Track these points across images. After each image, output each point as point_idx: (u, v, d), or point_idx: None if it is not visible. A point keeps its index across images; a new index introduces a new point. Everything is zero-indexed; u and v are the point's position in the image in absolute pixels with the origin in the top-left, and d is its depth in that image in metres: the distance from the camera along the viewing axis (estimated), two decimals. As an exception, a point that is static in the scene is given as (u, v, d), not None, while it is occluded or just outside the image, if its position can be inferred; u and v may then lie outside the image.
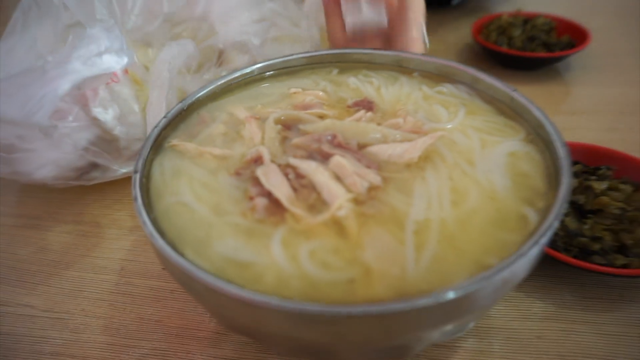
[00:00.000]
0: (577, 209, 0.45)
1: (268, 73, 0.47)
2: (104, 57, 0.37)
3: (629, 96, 0.68)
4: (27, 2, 0.50)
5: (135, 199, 0.32)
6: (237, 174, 0.34)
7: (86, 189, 0.53)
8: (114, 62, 0.38)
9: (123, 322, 0.41)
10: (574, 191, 0.45)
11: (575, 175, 0.47)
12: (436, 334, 0.29)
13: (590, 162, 0.49)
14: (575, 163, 0.49)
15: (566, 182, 0.30)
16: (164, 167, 0.36)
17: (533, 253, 0.26)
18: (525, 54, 0.71)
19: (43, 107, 0.38)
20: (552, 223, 0.28)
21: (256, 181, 0.33)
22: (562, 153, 0.33)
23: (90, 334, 0.40)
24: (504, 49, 0.72)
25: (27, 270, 0.46)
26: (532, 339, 0.39)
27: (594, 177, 0.47)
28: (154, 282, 0.44)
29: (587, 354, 0.37)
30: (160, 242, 0.28)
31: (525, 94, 0.71)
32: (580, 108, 0.66)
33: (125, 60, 0.38)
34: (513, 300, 0.41)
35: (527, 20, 0.77)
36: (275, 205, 0.31)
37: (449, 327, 0.28)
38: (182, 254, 0.29)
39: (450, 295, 0.24)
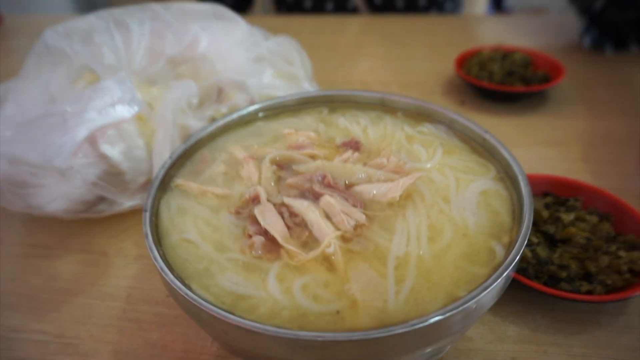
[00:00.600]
0: (548, 239, 0.49)
1: (263, 113, 0.52)
2: (116, 107, 0.41)
3: (599, 128, 0.73)
4: (40, 48, 0.54)
5: (146, 235, 0.36)
6: (237, 212, 0.38)
7: (93, 220, 0.56)
8: (125, 112, 0.42)
9: (131, 346, 0.44)
10: (546, 222, 0.50)
11: (547, 206, 0.51)
12: (415, 357, 0.32)
13: (561, 193, 0.54)
14: (546, 194, 0.53)
15: (528, 219, 0.35)
16: (171, 205, 0.40)
17: (497, 286, 0.30)
18: (504, 88, 0.76)
19: (62, 152, 0.42)
20: (515, 258, 0.32)
21: (254, 220, 0.37)
22: (525, 191, 0.37)
23: (100, 359, 0.43)
24: (485, 83, 0.77)
25: (39, 297, 0.49)
26: (506, 360, 0.42)
27: (563, 209, 0.51)
28: (159, 309, 0.47)
29: (556, 373, 0.41)
30: (170, 276, 0.32)
31: (504, 125, 0.76)
32: (555, 139, 0.71)
33: (135, 109, 0.43)
34: (490, 324, 0.45)
35: (506, 54, 0.83)
36: (271, 243, 0.35)
37: (426, 351, 0.32)
38: (188, 287, 0.32)
39: (423, 324, 0.28)
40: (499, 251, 0.34)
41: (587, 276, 0.45)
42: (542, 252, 0.47)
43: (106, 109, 0.40)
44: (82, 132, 0.39)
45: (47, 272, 0.52)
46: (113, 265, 0.53)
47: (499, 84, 0.77)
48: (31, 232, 0.57)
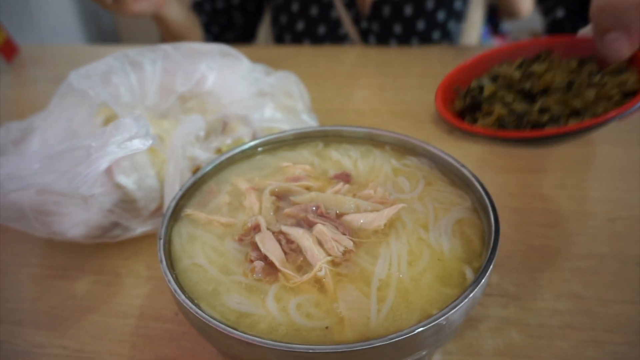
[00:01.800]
0: (525, 95, 0.46)
1: (264, 148, 0.57)
2: (133, 141, 0.46)
3: (576, 155, 0.78)
4: (64, 88, 0.60)
5: (161, 260, 0.41)
6: (240, 239, 0.43)
7: (107, 243, 0.61)
8: (141, 145, 0.47)
9: (143, 360, 0.49)
10: (520, 81, 0.47)
11: (519, 66, 0.49)
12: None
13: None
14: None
15: (493, 246, 0.40)
16: (182, 233, 0.45)
17: (465, 305, 0.35)
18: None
19: (87, 181, 0.47)
20: (480, 280, 0.37)
21: (255, 246, 0.42)
22: (494, 221, 0.42)
23: (116, 371, 0.48)
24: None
25: (60, 316, 0.54)
26: (483, 372, 0.47)
27: (535, 64, 0.48)
28: (169, 325, 0.52)
29: (527, 383, 0.46)
30: (182, 297, 0.37)
31: (490, 153, 0.81)
32: (535, 166, 0.76)
33: (149, 142, 0.48)
34: (469, 339, 0.50)
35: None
36: (270, 267, 0.40)
37: (404, 363, 0.37)
38: (198, 306, 0.37)
39: (399, 338, 0.33)
40: (469, 274, 0.39)
41: (575, 114, 0.42)
42: (519, 106, 0.44)
43: (124, 142, 0.45)
44: (104, 164, 0.45)
45: (65, 292, 0.57)
46: (126, 285, 0.58)
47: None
48: (51, 256, 0.62)
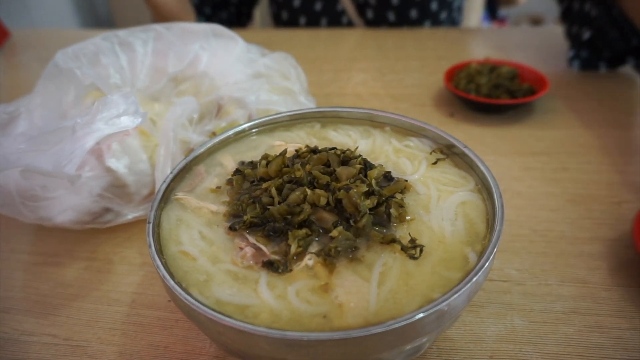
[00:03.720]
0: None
1: (259, 129, 0.55)
2: (122, 118, 0.44)
3: (580, 138, 0.76)
4: (51, 68, 0.58)
5: (150, 245, 0.39)
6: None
7: (98, 228, 0.59)
8: (129, 122, 0.45)
9: (135, 348, 0.47)
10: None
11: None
12: (395, 354, 0.35)
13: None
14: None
15: (499, 228, 0.38)
16: (170, 217, 0.43)
17: (467, 290, 0.34)
18: (491, 100, 0.79)
19: (72, 160, 0.45)
20: (484, 264, 0.35)
21: (242, 234, 0.40)
22: (498, 203, 0.41)
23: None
24: (472, 96, 0.80)
25: (49, 303, 0.53)
26: (485, 358, 0.45)
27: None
28: (161, 313, 0.51)
29: (531, 370, 0.44)
30: (171, 282, 0.35)
31: (491, 136, 0.80)
32: (538, 149, 0.74)
33: (139, 120, 0.46)
34: (471, 325, 0.48)
35: (494, 68, 0.86)
36: (259, 253, 0.38)
37: (405, 348, 0.35)
38: (189, 293, 0.35)
39: (399, 324, 0.31)
40: (472, 258, 0.38)
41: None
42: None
43: (112, 119, 0.43)
44: (90, 141, 0.43)
45: (56, 279, 0.56)
46: (118, 272, 0.56)
47: (486, 97, 0.81)
48: (41, 242, 0.61)
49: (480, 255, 0.37)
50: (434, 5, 1.19)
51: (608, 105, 0.84)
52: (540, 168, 0.70)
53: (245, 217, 0.40)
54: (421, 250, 0.38)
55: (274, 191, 0.41)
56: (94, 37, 0.65)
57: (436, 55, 1.07)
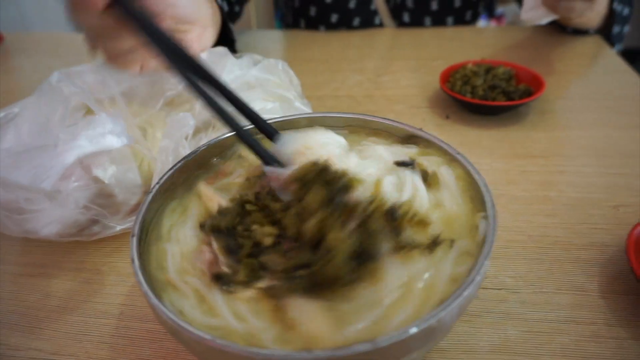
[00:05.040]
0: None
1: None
2: (107, 137, 0.43)
3: (578, 139, 0.75)
4: (44, 86, 0.57)
5: (133, 260, 0.38)
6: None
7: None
8: (114, 142, 0.44)
9: (122, 363, 0.47)
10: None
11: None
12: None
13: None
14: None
15: (491, 240, 0.37)
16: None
17: (459, 303, 0.33)
18: (487, 102, 0.78)
19: (51, 175, 0.44)
20: (476, 278, 0.34)
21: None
22: (491, 213, 0.40)
23: (93, 375, 0.46)
24: (468, 97, 0.79)
25: (35, 316, 0.52)
26: (479, 370, 0.44)
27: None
28: (150, 325, 0.50)
29: (526, 382, 0.43)
30: (154, 300, 0.35)
31: (486, 138, 0.78)
32: (535, 151, 0.73)
33: (124, 141, 0.45)
34: (464, 335, 0.47)
35: (490, 68, 0.85)
36: (216, 262, 0.37)
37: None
38: (160, 299, 0.35)
39: (385, 342, 0.30)
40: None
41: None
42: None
43: (97, 138, 0.42)
44: (71, 157, 0.42)
45: (43, 290, 0.55)
46: (106, 283, 0.55)
47: (482, 98, 0.80)
48: (28, 253, 0.60)
49: (472, 267, 0.35)
50: (468, 15, 1.20)
51: (605, 106, 0.83)
52: (537, 171, 0.69)
53: (214, 221, 0.40)
54: None
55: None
56: (90, 64, 0.65)
57: (433, 55, 1.05)
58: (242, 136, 0.41)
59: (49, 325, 0.51)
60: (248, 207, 0.40)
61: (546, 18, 0.90)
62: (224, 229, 0.39)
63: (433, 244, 0.38)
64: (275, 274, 0.35)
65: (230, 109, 0.43)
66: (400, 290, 0.35)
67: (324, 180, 0.37)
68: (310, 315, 0.33)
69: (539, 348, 0.46)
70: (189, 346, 0.34)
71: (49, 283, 0.56)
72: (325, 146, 0.42)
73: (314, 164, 0.39)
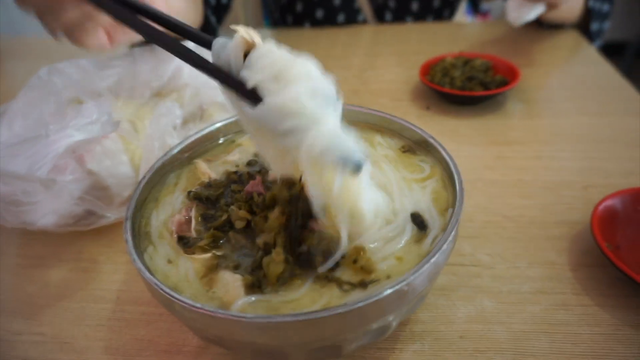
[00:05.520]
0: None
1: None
2: (94, 126, 0.46)
3: (553, 127, 0.79)
4: (34, 81, 0.60)
5: (127, 241, 0.41)
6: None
7: (84, 230, 0.61)
8: (101, 130, 0.47)
9: (120, 342, 0.49)
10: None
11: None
12: (361, 334, 0.37)
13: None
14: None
15: (458, 209, 0.40)
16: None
17: (427, 270, 0.36)
18: (464, 92, 0.81)
19: (45, 164, 0.47)
20: (442, 246, 0.37)
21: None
22: (459, 185, 0.43)
23: (93, 355, 0.48)
24: (446, 89, 0.82)
25: (36, 303, 0.54)
26: (455, 339, 0.47)
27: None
28: (145, 308, 0.52)
29: (499, 348, 0.46)
30: (148, 275, 0.37)
31: (465, 127, 0.82)
32: (512, 139, 0.76)
33: (110, 128, 0.48)
34: (442, 308, 0.50)
35: (468, 61, 0.89)
36: (186, 225, 0.41)
37: (371, 327, 0.37)
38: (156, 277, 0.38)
39: (363, 303, 0.33)
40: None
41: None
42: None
43: (85, 126, 0.45)
44: (62, 146, 0.44)
45: (42, 280, 0.57)
46: (103, 272, 0.58)
47: (460, 89, 0.83)
48: (27, 245, 0.62)
49: (439, 236, 0.39)
50: (446, 13, 1.24)
51: (580, 96, 0.87)
52: (514, 157, 0.72)
53: (196, 190, 0.43)
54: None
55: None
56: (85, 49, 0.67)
57: (415, 50, 1.09)
58: (197, 63, 0.37)
59: (49, 311, 0.53)
60: (234, 187, 0.43)
61: (533, 13, 0.93)
62: (204, 199, 0.42)
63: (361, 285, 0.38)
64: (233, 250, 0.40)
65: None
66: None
67: (293, 206, 0.39)
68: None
69: (512, 317, 0.49)
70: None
71: (48, 273, 0.58)
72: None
73: (289, 188, 0.40)
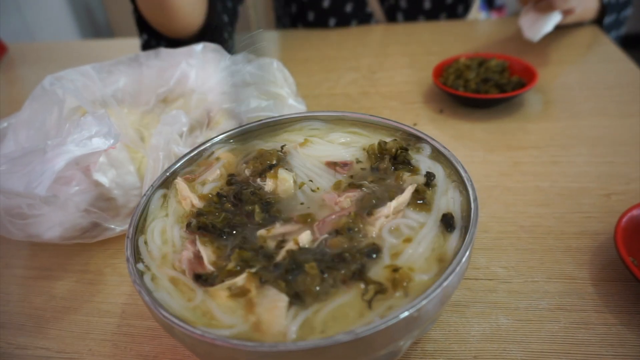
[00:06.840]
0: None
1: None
2: (93, 140, 0.45)
3: (571, 129, 0.75)
4: (38, 91, 0.59)
5: (128, 260, 0.40)
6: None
7: (90, 242, 0.60)
8: (101, 143, 0.46)
9: (125, 358, 0.48)
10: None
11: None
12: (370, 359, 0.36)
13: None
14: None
15: (472, 231, 0.38)
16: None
17: (439, 294, 0.34)
18: (479, 95, 0.79)
19: (43, 181, 0.46)
20: (456, 269, 0.35)
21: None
22: (473, 206, 0.41)
23: (97, 371, 0.48)
24: (460, 91, 0.80)
25: (42, 316, 0.54)
26: (469, 359, 0.45)
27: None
28: (151, 323, 0.52)
29: (515, 369, 0.44)
30: (147, 298, 0.36)
31: (480, 131, 0.79)
32: (528, 143, 0.74)
33: (111, 141, 0.47)
34: (455, 325, 0.48)
35: (483, 61, 0.86)
36: (197, 261, 0.39)
37: (380, 354, 0.36)
38: (157, 302, 0.36)
39: (366, 332, 0.31)
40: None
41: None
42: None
43: (84, 141, 0.44)
44: (60, 163, 0.44)
45: (48, 292, 0.57)
46: (109, 284, 0.57)
47: (474, 91, 0.80)
48: (34, 256, 0.62)
49: (452, 258, 0.37)
50: (460, 9, 1.20)
51: (599, 95, 0.83)
52: (530, 162, 0.70)
53: (202, 218, 0.41)
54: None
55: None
56: (95, 52, 0.67)
57: (426, 51, 1.06)
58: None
59: (55, 325, 0.53)
60: (227, 206, 0.42)
61: (549, 25, 0.89)
62: (210, 226, 0.40)
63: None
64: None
65: None
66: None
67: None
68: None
69: (529, 336, 0.47)
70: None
71: (54, 285, 0.58)
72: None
73: None
